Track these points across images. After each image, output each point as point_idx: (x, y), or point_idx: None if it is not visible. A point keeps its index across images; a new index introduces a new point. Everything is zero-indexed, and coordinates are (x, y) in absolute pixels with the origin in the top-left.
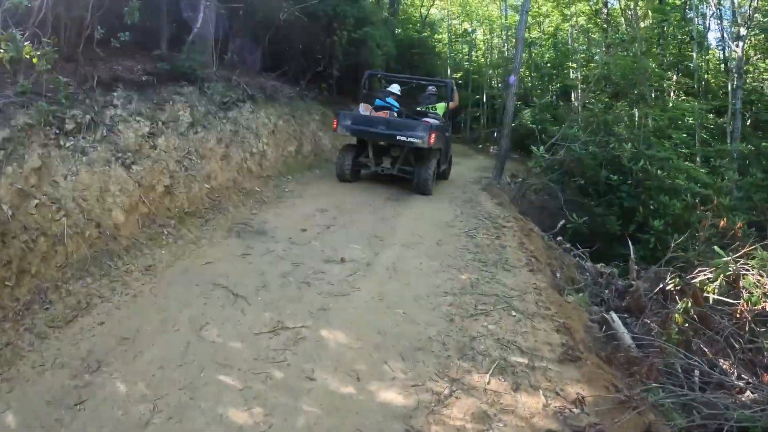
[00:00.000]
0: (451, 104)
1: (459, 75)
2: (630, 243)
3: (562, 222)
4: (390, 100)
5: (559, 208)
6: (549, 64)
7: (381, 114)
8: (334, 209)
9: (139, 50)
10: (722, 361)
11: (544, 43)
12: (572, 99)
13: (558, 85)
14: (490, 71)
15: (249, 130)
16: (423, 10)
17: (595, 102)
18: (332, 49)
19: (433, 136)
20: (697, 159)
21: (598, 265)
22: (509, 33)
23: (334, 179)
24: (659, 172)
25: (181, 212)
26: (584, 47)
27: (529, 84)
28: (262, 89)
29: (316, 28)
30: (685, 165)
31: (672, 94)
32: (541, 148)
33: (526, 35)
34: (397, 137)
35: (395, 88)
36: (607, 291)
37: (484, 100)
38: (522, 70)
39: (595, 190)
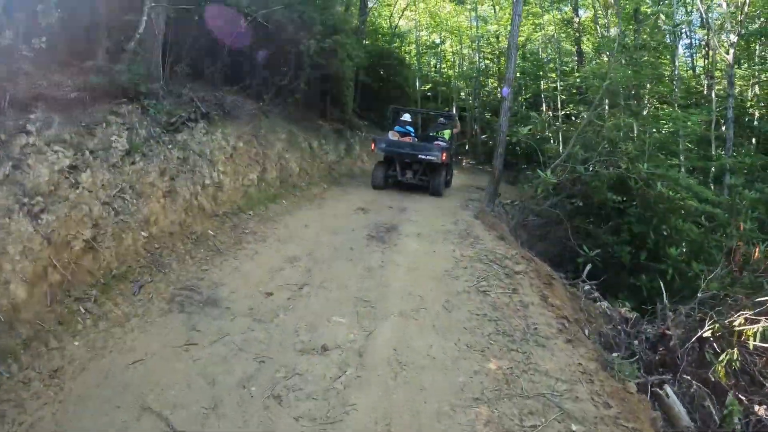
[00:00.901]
0: (455, 130)
1: (427, 87)
2: (662, 287)
3: (588, 266)
4: (408, 127)
5: (562, 237)
6: (519, 74)
7: (405, 139)
8: (307, 257)
9: (76, 61)
10: None
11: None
12: (543, 109)
13: (528, 96)
14: (460, 83)
15: (202, 156)
16: (392, 20)
17: (605, 117)
18: (299, 60)
19: (444, 155)
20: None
21: (622, 310)
22: (480, 43)
23: (304, 213)
24: (671, 193)
25: (107, 276)
26: (555, 56)
27: (499, 95)
28: (220, 105)
29: (282, 37)
30: (694, 184)
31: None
32: (548, 171)
33: (495, 44)
34: (419, 156)
35: (407, 116)
36: (636, 342)
37: (454, 111)
38: (491, 81)
39: (598, 215)
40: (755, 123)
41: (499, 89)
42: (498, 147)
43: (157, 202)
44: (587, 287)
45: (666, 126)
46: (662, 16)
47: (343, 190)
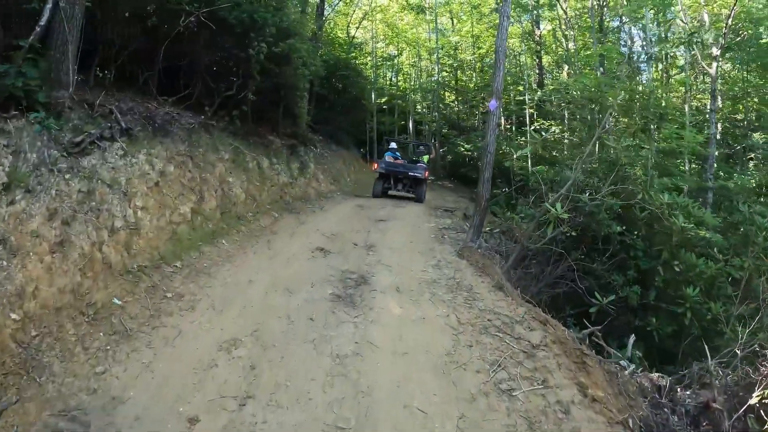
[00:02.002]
0: (432, 156)
1: (383, 100)
2: (705, 347)
3: (632, 339)
4: (396, 153)
5: (560, 275)
6: (477, 89)
7: (398, 161)
8: (251, 340)
9: None
10: None
11: (476, 65)
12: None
13: (484, 111)
14: (416, 96)
15: (114, 188)
16: (349, 31)
17: (617, 138)
18: (248, 66)
19: (426, 173)
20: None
21: (654, 376)
22: (439, 55)
23: (249, 259)
24: (684, 223)
25: None
26: (516, 70)
27: (456, 109)
28: (149, 119)
29: (228, 40)
30: (708, 214)
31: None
32: (558, 205)
33: (455, 56)
34: (409, 173)
35: (393, 145)
36: (675, 418)
37: (411, 125)
38: (448, 94)
39: (595, 248)
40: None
41: (456, 103)
42: (484, 171)
43: (39, 262)
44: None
45: (662, 144)
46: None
47: (297, 219)
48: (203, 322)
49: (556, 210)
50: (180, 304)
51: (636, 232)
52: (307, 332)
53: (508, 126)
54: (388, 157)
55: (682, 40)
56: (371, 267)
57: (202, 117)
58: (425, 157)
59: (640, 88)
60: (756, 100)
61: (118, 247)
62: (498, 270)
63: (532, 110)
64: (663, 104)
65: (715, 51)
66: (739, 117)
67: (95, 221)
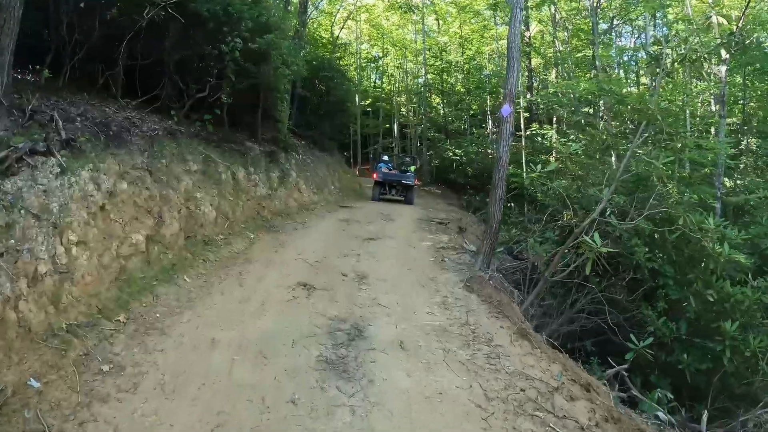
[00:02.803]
0: (417, 166)
1: (367, 103)
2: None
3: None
4: (389, 164)
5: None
6: (463, 90)
7: (392, 171)
8: None
9: None
10: None
11: (463, 66)
12: (489, 126)
13: (471, 113)
14: (402, 98)
15: (42, 219)
16: (333, 31)
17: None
18: (222, 66)
19: (416, 180)
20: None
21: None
22: (425, 57)
23: (213, 304)
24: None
25: None
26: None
27: (442, 111)
28: (103, 126)
29: (200, 35)
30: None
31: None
32: (596, 236)
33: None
34: (402, 181)
35: (385, 157)
36: None
37: (396, 129)
38: (434, 96)
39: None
40: None
41: (443, 106)
42: (495, 188)
43: None
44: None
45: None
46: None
47: (276, 240)
48: (147, 414)
49: (593, 242)
50: (119, 381)
51: (663, 256)
52: (288, 426)
53: (494, 130)
54: (383, 168)
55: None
56: (366, 310)
57: (170, 122)
58: (412, 167)
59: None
60: (753, 104)
61: (42, 301)
62: (517, 309)
63: (527, 114)
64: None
65: (724, 54)
66: (733, 121)
67: (10, 268)
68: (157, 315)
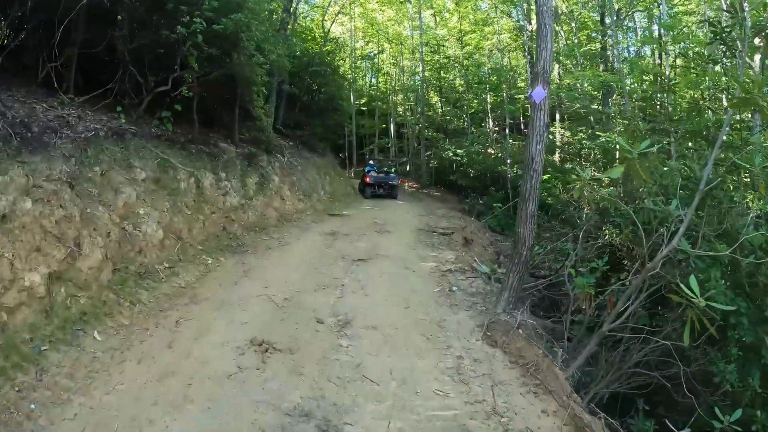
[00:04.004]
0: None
1: (362, 102)
2: None
3: None
4: (376, 166)
5: (636, 363)
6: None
7: (380, 174)
8: None
9: None
10: None
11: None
12: (489, 125)
13: (471, 112)
14: (398, 97)
15: None
16: (325, 25)
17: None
18: (180, 52)
19: (399, 180)
20: None
21: None
22: (423, 51)
23: (125, 387)
24: None
25: None
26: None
27: (440, 110)
28: (21, 126)
29: (157, 17)
30: None
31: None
32: (691, 279)
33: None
34: (389, 182)
35: (371, 162)
36: None
37: (392, 128)
38: (433, 94)
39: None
40: None
41: (440, 103)
42: (526, 201)
43: None
44: None
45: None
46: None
47: (240, 266)
48: None
49: (691, 292)
50: None
51: (735, 288)
52: None
53: (496, 129)
54: (372, 172)
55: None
56: (344, 390)
57: (123, 121)
58: (393, 169)
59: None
60: None
61: None
62: (561, 377)
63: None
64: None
65: (758, 41)
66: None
67: None
68: (31, 408)
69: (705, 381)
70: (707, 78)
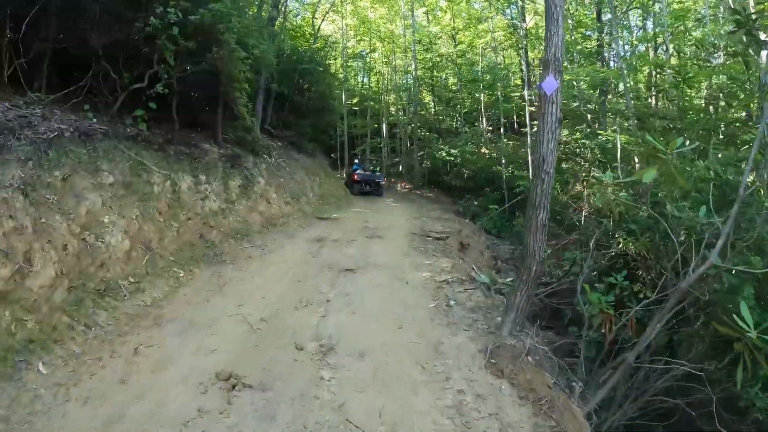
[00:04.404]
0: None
1: (354, 101)
2: None
3: None
4: (361, 166)
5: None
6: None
7: (366, 172)
8: None
9: None
10: None
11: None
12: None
13: (464, 111)
14: (391, 97)
15: None
16: (315, 22)
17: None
18: (156, 46)
19: (384, 178)
20: None
21: None
22: (415, 50)
23: None
24: None
25: None
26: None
27: (433, 110)
28: None
29: (130, 10)
30: None
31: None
32: (743, 307)
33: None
34: (375, 180)
35: (356, 161)
36: None
37: (384, 128)
38: (426, 93)
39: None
40: None
41: (433, 103)
42: (536, 209)
43: None
44: None
45: None
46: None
47: (216, 279)
48: None
49: (750, 329)
50: None
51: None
52: None
53: (490, 128)
54: (359, 170)
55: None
56: None
57: (95, 121)
58: (377, 168)
59: None
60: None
61: None
62: (580, 416)
63: (532, 108)
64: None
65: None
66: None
67: None
68: None
69: (730, 407)
70: (722, 72)
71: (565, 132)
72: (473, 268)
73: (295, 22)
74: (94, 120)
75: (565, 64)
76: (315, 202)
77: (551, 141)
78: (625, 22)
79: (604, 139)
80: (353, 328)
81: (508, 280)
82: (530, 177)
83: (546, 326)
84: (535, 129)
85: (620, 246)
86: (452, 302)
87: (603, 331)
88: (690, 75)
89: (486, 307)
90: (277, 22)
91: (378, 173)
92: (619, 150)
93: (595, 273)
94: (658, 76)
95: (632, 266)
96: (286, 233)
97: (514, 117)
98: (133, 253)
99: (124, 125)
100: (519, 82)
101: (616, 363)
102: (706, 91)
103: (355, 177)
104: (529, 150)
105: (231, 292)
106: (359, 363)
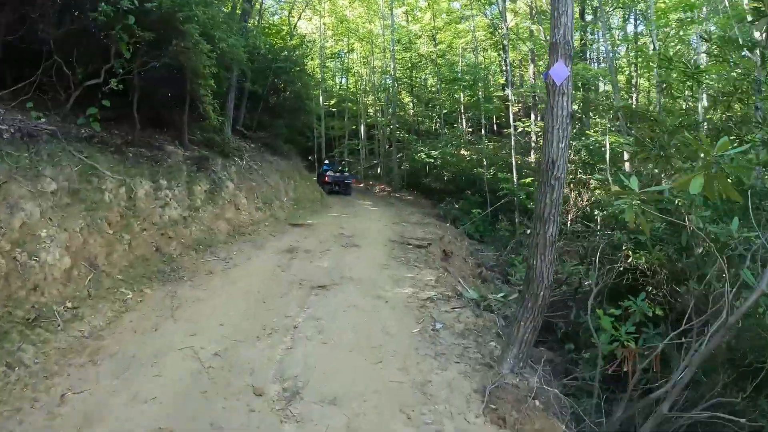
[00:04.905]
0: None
1: (332, 102)
2: None
3: None
4: (331, 167)
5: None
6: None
7: (336, 173)
8: None
9: None
10: None
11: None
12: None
13: (444, 112)
14: (369, 99)
15: None
16: (292, 18)
17: None
18: (108, 38)
19: (353, 179)
20: None
21: None
22: (395, 49)
23: None
24: None
25: None
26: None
27: (412, 111)
28: None
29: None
30: None
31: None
32: None
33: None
34: (345, 180)
35: (326, 162)
36: None
37: (362, 129)
38: (405, 93)
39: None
40: None
41: (411, 104)
42: (544, 222)
43: None
44: None
45: None
46: None
47: (169, 300)
48: None
49: None
50: None
51: None
52: None
53: (470, 129)
54: (329, 171)
55: None
56: None
57: (43, 120)
58: (345, 169)
59: None
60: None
61: None
62: None
63: (516, 109)
64: None
65: (758, 35)
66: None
67: None
68: None
69: None
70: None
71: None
72: (459, 282)
73: (272, 21)
74: (43, 119)
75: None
76: (289, 206)
77: (562, 140)
78: (605, 21)
79: (593, 140)
80: (324, 363)
81: (499, 295)
82: (535, 184)
83: (538, 340)
84: (519, 130)
85: (629, 260)
86: (439, 325)
87: (625, 369)
88: (701, 68)
89: (477, 329)
90: (251, 20)
91: (347, 174)
92: (608, 151)
93: (598, 295)
94: (665, 71)
95: (641, 282)
96: (255, 243)
97: (494, 118)
98: (74, 272)
99: (77, 126)
100: (502, 81)
101: (640, 406)
102: (712, 87)
103: (327, 178)
104: (513, 152)
105: (184, 317)
106: (329, 413)
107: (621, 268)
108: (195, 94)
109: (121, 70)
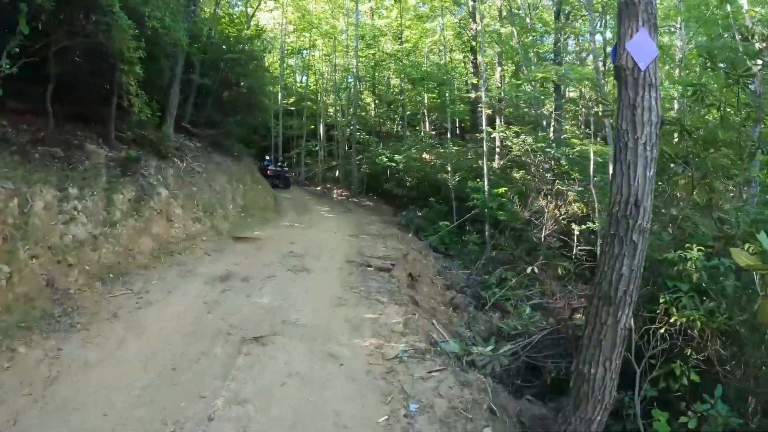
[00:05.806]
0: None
1: (291, 101)
2: None
3: None
4: (272, 163)
5: None
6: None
7: (277, 168)
8: None
9: None
10: None
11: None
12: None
13: (407, 113)
14: (329, 98)
15: None
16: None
17: None
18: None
19: (294, 173)
20: None
21: None
22: (358, 46)
23: None
24: None
25: None
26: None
27: (373, 112)
28: None
29: None
30: None
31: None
32: None
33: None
34: (284, 175)
35: (268, 158)
36: None
37: (322, 130)
38: (364, 96)
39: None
40: None
41: (373, 104)
42: (618, 304)
43: None
44: None
45: None
46: None
47: (47, 362)
48: None
49: None
50: None
51: None
52: None
53: (433, 131)
54: (270, 166)
55: None
56: None
57: None
58: (286, 163)
59: None
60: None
61: None
62: None
63: (489, 111)
64: None
65: (759, 44)
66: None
67: None
68: None
69: None
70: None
71: (517, 140)
72: (434, 324)
73: (232, 12)
74: None
75: (531, 60)
76: (235, 215)
77: (649, 164)
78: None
79: (577, 149)
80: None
81: (487, 349)
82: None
83: (522, 385)
84: (493, 134)
85: (673, 319)
86: (413, 408)
87: None
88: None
89: (464, 406)
90: (206, 8)
91: (286, 169)
92: (591, 160)
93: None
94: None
95: (680, 346)
96: (183, 267)
97: (457, 121)
98: None
99: None
100: (474, 81)
101: None
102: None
103: (268, 172)
104: (485, 158)
105: (56, 399)
106: None
107: (662, 330)
108: (121, 82)
109: (16, 50)
